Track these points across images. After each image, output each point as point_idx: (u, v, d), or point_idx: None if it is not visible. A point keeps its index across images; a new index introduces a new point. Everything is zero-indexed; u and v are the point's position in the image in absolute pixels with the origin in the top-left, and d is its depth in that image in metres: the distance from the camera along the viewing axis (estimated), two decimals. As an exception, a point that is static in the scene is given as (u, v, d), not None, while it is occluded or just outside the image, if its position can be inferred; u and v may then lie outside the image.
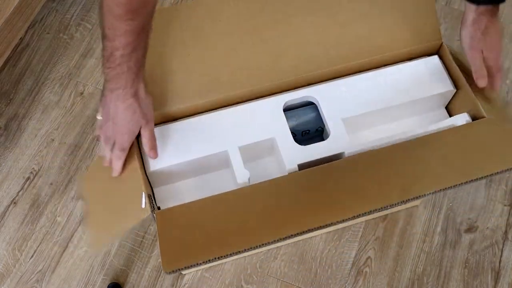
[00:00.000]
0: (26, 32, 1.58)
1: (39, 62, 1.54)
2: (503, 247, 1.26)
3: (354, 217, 0.75)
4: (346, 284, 1.23)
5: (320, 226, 0.74)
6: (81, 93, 1.49)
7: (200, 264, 0.70)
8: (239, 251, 0.71)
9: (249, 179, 0.87)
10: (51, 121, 1.45)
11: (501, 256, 1.25)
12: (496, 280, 1.23)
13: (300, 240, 1.27)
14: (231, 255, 0.70)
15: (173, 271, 0.70)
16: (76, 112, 1.46)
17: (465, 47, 0.92)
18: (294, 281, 1.23)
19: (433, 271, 1.24)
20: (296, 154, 0.88)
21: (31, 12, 1.43)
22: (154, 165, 0.88)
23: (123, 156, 0.85)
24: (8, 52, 1.40)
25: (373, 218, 1.29)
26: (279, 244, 1.22)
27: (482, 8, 0.89)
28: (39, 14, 1.61)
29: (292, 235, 0.72)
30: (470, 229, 1.29)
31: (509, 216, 1.30)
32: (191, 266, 0.70)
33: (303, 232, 0.73)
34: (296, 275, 1.24)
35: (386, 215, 1.30)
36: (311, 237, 1.27)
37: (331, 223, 0.74)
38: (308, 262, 1.25)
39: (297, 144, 0.90)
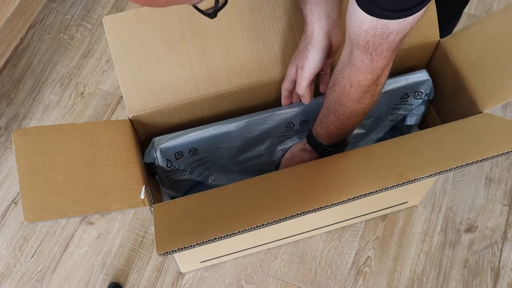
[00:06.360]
0: (27, 32, 1.59)
1: (39, 63, 1.54)
2: (502, 247, 1.26)
3: (350, 200, 0.75)
4: (346, 284, 1.23)
5: (317, 208, 0.74)
6: (82, 93, 1.49)
7: (194, 246, 0.70)
8: (233, 234, 0.71)
9: None
10: (51, 121, 1.45)
11: (500, 256, 1.26)
12: (496, 280, 1.23)
13: (300, 240, 1.27)
14: (224, 237, 0.70)
15: (166, 253, 0.70)
16: (77, 113, 1.46)
17: None
18: (294, 281, 1.23)
19: (432, 271, 1.24)
20: None
21: (31, 13, 1.43)
22: None
23: None
24: (9, 52, 1.40)
25: (373, 218, 1.29)
26: (277, 239, 1.22)
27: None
28: (40, 14, 1.62)
29: (287, 217, 0.72)
30: (469, 229, 1.29)
31: (508, 216, 1.30)
32: (184, 248, 0.70)
33: (299, 214, 0.72)
34: (296, 275, 1.24)
35: (386, 215, 1.30)
36: (311, 236, 1.27)
37: (327, 206, 0.74)
38: (308, 262, 1.25)
39: None
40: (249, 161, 1.12)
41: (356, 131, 1.10)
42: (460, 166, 0.76)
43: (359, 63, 0.78)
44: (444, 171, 0.76)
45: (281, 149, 1.12)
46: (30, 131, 0.83)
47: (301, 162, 1.03)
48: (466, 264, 1.25)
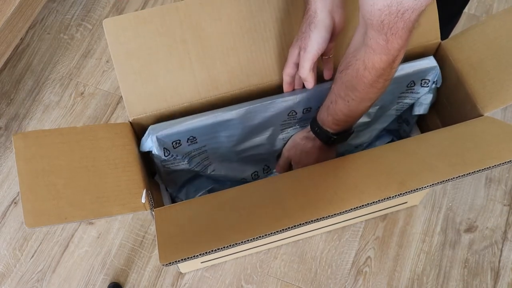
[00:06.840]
0: (27, 32, 1.59)
1: (39, 63, 1.54)
2: (502, 247, 1.27)
3: (352, 209, 0.75)
4: (346, 284, 1.23)
5: (318, 219, 0.74)
6: (82, 93, 1.49)
7: (197, 256, 0.70)
8: (235, 244, 0.71)
9: None
10: (51, 121, 1.45)
11: (500, 256, 1.26)
12: (496, 280, 1.23)
13: (300, 240, 1.27)
14: (227, 247, 0.70)
15: (169, 263, 0.70)
16: (77, 113, 1.46)
17: None
18: (294, 281, 1.24)
19: (432, 271, 1.24)
20: None
21: (31, 13, 1.43)
22: None
23: None
24: (9, 52, 1.40)
25: (373, 218, 1.29)
26: (277, 239, 1.22)
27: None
28: (40, 14, 1.62)
29: (289, 227, 0.72)
30: (469, 229, 1.29)
31: (508, 216, 1.30)
32: (187, 258, 0.70)
33: (301, 224, 0.72)
34: (296, 275, 1.24)
35: (386, 215, 1.30)
36: (311, 236, 1.27)
37: (329, 216, 0.74)
38: (308, 262, 1.26)
39: None
40: (250, 151, 1.10)
41: (361, 119, 1.08)
42: (462, 176, 0.76)
43: (374, 44, 0.76)
44: (446, 180, 0.76)
45: (283, 138, 1.10)
46: (30, 135, 0.83)
47: (303, 151, 1.02)
48: (466, 264, 1.25)
